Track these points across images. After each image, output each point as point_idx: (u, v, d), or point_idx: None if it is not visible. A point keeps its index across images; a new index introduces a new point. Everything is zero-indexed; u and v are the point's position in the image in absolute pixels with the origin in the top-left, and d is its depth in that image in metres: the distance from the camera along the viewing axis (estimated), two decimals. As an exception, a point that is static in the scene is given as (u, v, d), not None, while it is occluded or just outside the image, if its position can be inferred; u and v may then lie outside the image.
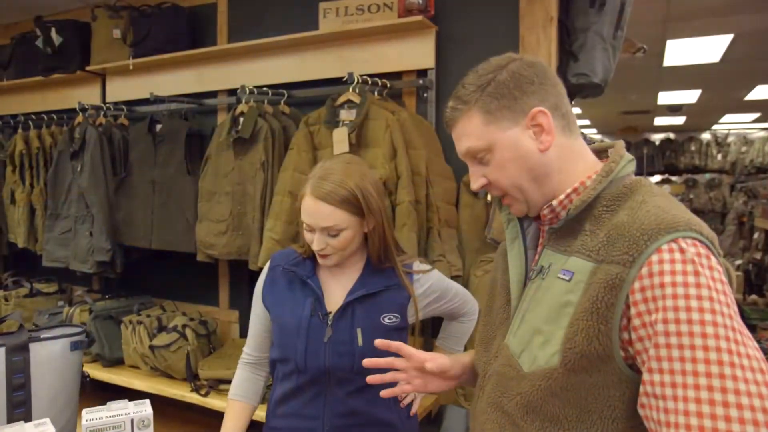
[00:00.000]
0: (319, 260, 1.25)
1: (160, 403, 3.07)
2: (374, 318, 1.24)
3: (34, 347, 1.26)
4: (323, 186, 1.18)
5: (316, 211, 1.18)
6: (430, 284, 1.32)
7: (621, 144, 0.90)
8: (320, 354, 1.21)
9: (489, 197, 2.07)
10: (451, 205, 2.06)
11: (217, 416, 2.56)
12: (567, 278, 0.82)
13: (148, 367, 2.49)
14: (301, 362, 1.21)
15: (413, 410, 1.34)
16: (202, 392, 2.31)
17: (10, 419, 1.22)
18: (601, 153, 0.93)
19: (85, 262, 2.66)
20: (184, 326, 2.46)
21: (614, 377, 0.77)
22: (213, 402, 2.27)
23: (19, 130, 3.09)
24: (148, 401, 1.22)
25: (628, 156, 0.88)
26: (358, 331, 1.21)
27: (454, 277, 1.96)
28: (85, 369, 2.60)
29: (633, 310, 0.74)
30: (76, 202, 2.72)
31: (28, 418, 1.23)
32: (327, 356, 1.21)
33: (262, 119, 2.23)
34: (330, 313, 1.24)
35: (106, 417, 1.16)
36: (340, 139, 1.95)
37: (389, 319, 1.24)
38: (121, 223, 2.66)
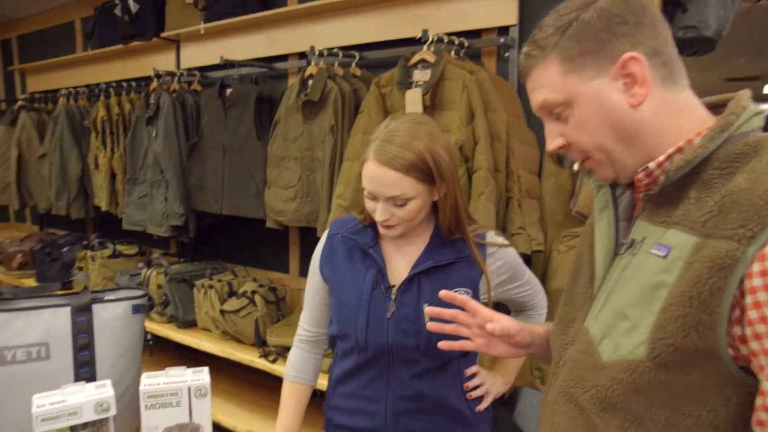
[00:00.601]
0: (382, 231, 1.14)
1: (230, 366, 3.13)
2: None
3: (97, 308, 1.24)
4: (388, 150, 1.04)
5: (379, 179, 1.05)
6: (504, 261, 1.18)
7: (745, 94, 0.71)
8: (383, 331, 1.11)
9: (575, 166, 1.89)
10: (533, 173, 1.90)
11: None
12: (662, 254, 0.67)
13: (219, 330, 2.51)
14: (362, 340, 1.12)
15: (481, 405, 1.21)
16: (270, 358, 2.30)
17: (77, 378, 1.22)
18: (717, 108, 0.76)
19: (160, 226, 2.71)
20: (253, 292, 2.45)
21: (718, 378, 0.63)
22: (280, 369, 2.25)
23: (101, 97, 3.18)
24: (206, 369, 1.18)
25: (753, 108, 0.69)
26: (425, 306, 1.10)
27: (534, 252, 1.80)
28: (159, 330, 2.69)
29: (749, 299, 0.59)
30: (151, 167, 2.76)
31: (92, 377, 1.22)
32: (390, 334, 1.11)
33: (331, 81, 2.14)
34: (393, 286, 1.13)
35: (163, 383, 1.12)
36: (414, 100, 1.82)
37: (460, 294, 1.12)
38: (193, 188, 2.67)
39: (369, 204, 1.10)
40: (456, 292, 1.10)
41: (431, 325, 0.91)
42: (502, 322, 0.89)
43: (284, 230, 2.78)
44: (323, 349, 1.30)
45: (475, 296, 1.14)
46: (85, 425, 1.07)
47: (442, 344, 0.91)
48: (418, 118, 1.11)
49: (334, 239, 1.21)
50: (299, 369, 1.28)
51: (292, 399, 1.27)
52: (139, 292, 1.31)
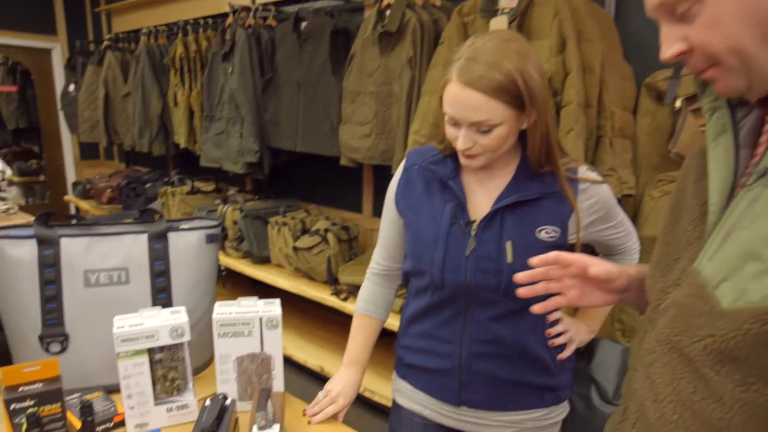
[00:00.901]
0: (463, 161, 1.04)
1: (302, 303, 3.19)
2: (528, 230, 1.02)
3: (172, 237, 1.25)
4: (473, 69, 0.93)
5: (462, 102, 0.95)
6: (597, 199, 1.06)
7: None
8: (461, 269, 1.04)
9: (677, 103, 1.70)
10: (628, 111, 1.73)
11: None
12: None
13: (292, 267, 2.54)
14: (438, 277, 1.06)
15: (564, 354, 1.13)
16: (342, 297, 2.30)
17: (154, 303, 1.24)
18: None
19: (235, 163, 2.73)
20: (326, 230, 2.45)
21: None
22: (351, 307, 2.26)
23: (180, 35, 3.19)
24: (278, 301, 1.16)
25: None
26: (508, 244, 1.01)
27: (625, 197, 1.67)
28: (234, 265, 2.75)
29: None
30: (227, 103, 2.77)
31: (168, 303, 1.24)
32: (468, 272, 1.04)
33: (410, 11, 2.02)
34: (474, 221, 1.05)
35: (236, 312, 1.11)
36: (499, 29, 1.68)
37: (546, 233, 1.02)
38: (268, 124, 2.66)
39: (450, 131, 1.01)
40: (542, 231, 1.02)
41: (521, 291, 0.82)
42: (604, 265, 0.80)
43: (358, 168, 2.74)
44: (396, 285, 1.25)
45: (563, 236, 1.04)
46: (161, 349, 1.09)
47: (535, 308, 0.82)
48: (506, 35, 0.98)
49: (411, 170, 1.13)
50: (370, 302, 1.25)
51: (361, 332, 1.24)
52: (213, 223, 1.30)
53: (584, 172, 1.05)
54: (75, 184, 4.38)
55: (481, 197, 1.06)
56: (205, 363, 1.35)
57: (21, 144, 5.27)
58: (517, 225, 1.02)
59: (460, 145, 0.99)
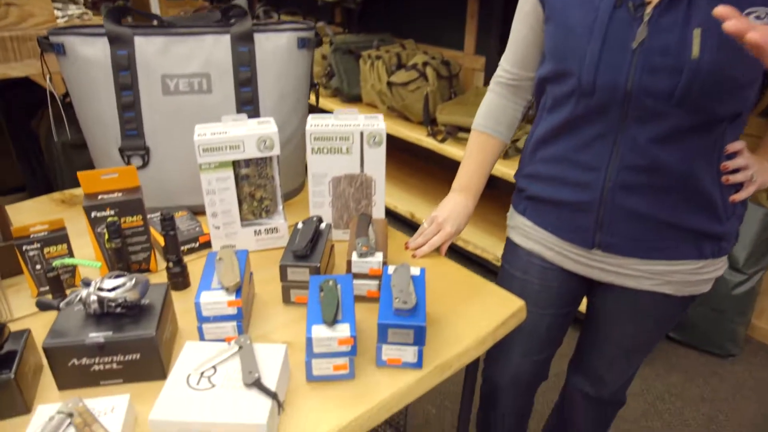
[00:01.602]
0: None
1: (394, 147, 3.03)
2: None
3: (259, 38, 1.05)
4: None
5: None
6: None
7: None
8: (621, 67, 0.78)
9: None
10: None
11: (453, 166, 2.39)
12: None
13: (385, 106, 2.34)
14: (588, 78, 0.80)
15: (739, 196, 0.88)
16: (439, 138, 2.10)
17: (240, 118, 1.09)
18: None
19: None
20: (424, 64, 2.19)
21: None
22: (450, 150, 2.06)
23: None
24: (381, 116, 0.97)
25: None
26: (696, 33, 0.73)
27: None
28: (323, 104, 2.58)
29: None
30: None
31: (255, 116, 1.08)
32: (632, 71, 0.77)
33: None
34: (648, 3, 0.77)
35: (333, 125, 0.94)
36: None
37: (758, 16, 0.73)
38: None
39: None
40: (751, 12, 0.73)
41: (728, 26, 0.56)
42: None
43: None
44: (525, 101, 1.02)
45: None
46: (248, 163, 0.95)
47: (731, 24, 0.57)
48: None
49: None
50: (491, 117, 1.03)
51: (476, 153, 1.04)
52: (305, 25, 1.09)
53: None
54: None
55: None
56: (296, 188, 1.22)
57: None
58: (711, 5, 0.73)
59: None
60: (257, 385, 0.62)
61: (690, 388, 1.81)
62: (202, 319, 0.73)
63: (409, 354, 0.71)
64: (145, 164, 1.08)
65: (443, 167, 2.87)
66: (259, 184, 0.97)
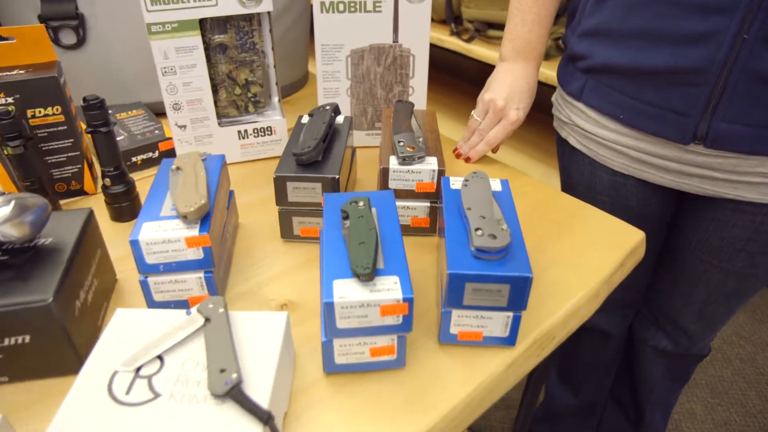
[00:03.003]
0: None
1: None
2: None
3: None
4: None
5: None
6: None
7: None
8: None
9: None
10: None
11: (478, 76, 2.04)
12: None
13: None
14: None
15: None
16: (465, 37, 1.74)
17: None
18: None
19: None
20: (447, -54, 1.79)
21: None
22: (477, 50, 1.71)
23: None
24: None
25: None
26: None
27: None
28: None
29: None
30: None
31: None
32: None
33: None
34: None
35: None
36: None
37: None
38: None
39: None
40: None
41: None
42: None
43: None
44: None
45: None
46: (225, 25, 0.62)
47: None
48: None
49: None
50: None
51: (531, 2, 0.70)
52: None
53: None
54: None
55: None
56: (298, 80, 0.90)
57: None
58: None
59: None
60: (234, 395, 0.33)
61: (760, 330, 1.55)
62: (144, 269, 0.44)
63: (497, 324, 0.42)
64: (80, 42, 0.76)
65: (465, 79, 2.51)
66: (242, 61, 0.65)
